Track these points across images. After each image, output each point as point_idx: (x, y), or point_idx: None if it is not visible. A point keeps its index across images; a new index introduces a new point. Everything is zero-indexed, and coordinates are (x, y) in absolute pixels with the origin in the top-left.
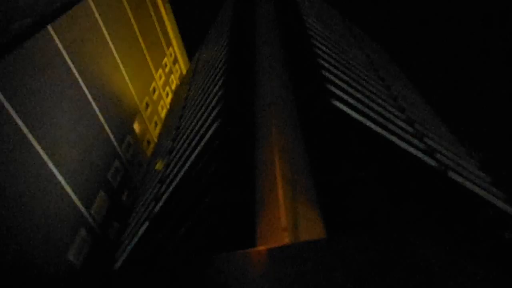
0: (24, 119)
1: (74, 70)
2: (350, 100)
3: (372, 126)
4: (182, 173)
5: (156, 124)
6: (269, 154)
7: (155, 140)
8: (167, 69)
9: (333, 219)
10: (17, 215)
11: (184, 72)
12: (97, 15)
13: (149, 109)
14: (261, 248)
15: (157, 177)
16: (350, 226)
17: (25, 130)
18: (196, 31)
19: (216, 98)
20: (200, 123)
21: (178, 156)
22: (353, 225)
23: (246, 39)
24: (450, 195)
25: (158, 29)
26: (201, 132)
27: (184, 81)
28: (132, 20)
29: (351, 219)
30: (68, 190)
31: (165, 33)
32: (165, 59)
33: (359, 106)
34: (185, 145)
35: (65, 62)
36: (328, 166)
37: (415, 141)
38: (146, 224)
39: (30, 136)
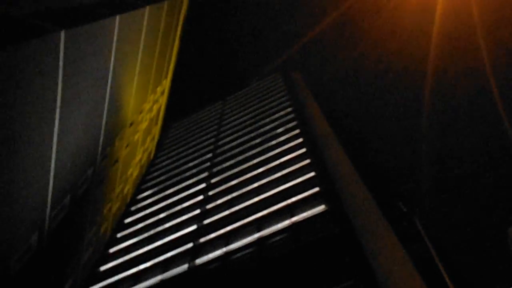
0: (63, 91)
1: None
2: None
3: None
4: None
5: (127, 145)
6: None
7: (121, 161)
8: (155, 97)
9: None
10: None
11: (163, 106)
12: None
13: (131, 128)
14: None
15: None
16: None
17: (58, 101)
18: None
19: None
20: None
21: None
22: None
23: None
24: None
25: (167, 58)
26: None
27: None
28: (159, 39)
29: None
30: (51, 180)
31: (168, 65)
32: (159, 87)
33: None
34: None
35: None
36: None
37: None
38: None
39: (58, 106)
